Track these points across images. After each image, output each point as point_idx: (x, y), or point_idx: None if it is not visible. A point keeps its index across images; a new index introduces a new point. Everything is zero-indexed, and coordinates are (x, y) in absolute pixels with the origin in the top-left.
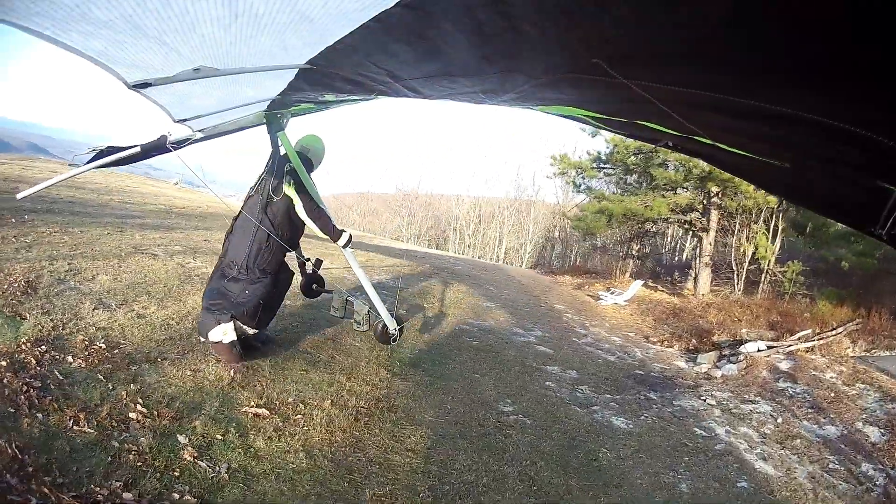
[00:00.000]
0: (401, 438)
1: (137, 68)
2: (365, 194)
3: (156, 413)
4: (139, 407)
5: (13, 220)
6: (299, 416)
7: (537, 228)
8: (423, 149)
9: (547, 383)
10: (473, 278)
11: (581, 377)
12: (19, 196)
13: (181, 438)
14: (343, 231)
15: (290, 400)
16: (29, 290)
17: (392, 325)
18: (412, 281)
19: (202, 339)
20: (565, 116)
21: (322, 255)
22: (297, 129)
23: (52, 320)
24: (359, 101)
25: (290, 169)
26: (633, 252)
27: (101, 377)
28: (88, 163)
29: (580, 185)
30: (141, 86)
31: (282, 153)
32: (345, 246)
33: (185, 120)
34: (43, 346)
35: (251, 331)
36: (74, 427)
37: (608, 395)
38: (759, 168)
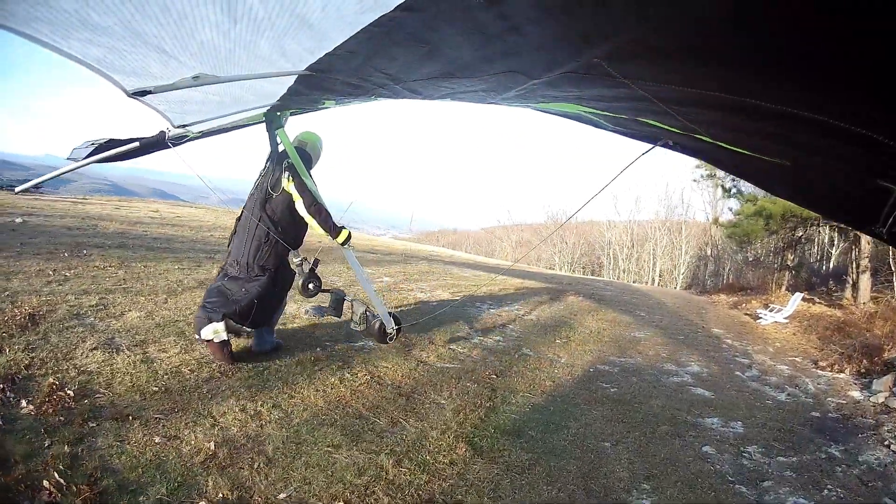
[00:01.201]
0: None
1: (136, 76)
2: (517, 225)
3: (73, 488)
4: (57, 476)
5: (65, 254)
6: None
7: (689, 247)
8: (573, 176)
9: (704, 449)
10: (623, 304)
11: (748, 431)
12: (17, 189)
13: None
14: (342, 228)
15: (281, 498)
16: (28, 325)
17: (389, 325)
18: (547, 311)
19: (197, 337)
20: (566, 115)
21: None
22: (295, 125)
23: (31, 357)
24: (358, 102)
25: (289, 165)
26: (788, 262)
27: (43, 430)
28: (88, 156)
29: (730, 190)
30: (140, 93)
31: (280, 150)
32: (343, 244)
33: (184, 125)
34: (1, 385)
35: (247, 329)
36: None
37: (782, 458)
38: (760, 167)
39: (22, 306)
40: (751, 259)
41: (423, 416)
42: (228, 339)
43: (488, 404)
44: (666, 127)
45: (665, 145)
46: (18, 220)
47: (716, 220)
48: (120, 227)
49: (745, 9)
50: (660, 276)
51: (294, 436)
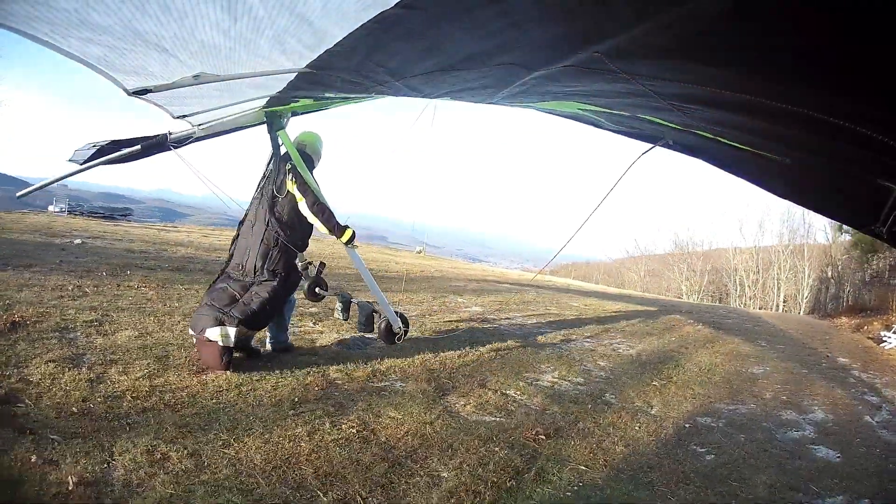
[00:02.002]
0: None
1: (137, 75)
2: (643, 256)
3: None
4: None
5: (103, 273)
6: None
7: (812, 270)
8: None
9: None
10: (743, 333)
11: None
12: (19, 195)
13: None
14: (346, 227)
15: None
16: (7, 331)
17: (396, 323)
18: (654, 344)
19: (190, 333)
20: (567, 115)
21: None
22: (294, 126)
23: None
24: (359, 99)
25: (292, 167)
26: None
27: None
28: (89, 160)
29: None
30: (140, 92)
31: (282, 152)
32: (348, 243)
33: (184, 116)
34: None
35: (252, 334)
36: None
37: None
38: (760, 163)
39: (13, 314)
40: (869, 278)
41: (399, 495)
42: (232, 348)
43: (510, 483)
44: (666, 123)
45: (666, 145)
46: (77, 241)
47: (840, 227)
48: (190, 252)
49: (746, 7)
50: (784, 301)
51: (175, 498)
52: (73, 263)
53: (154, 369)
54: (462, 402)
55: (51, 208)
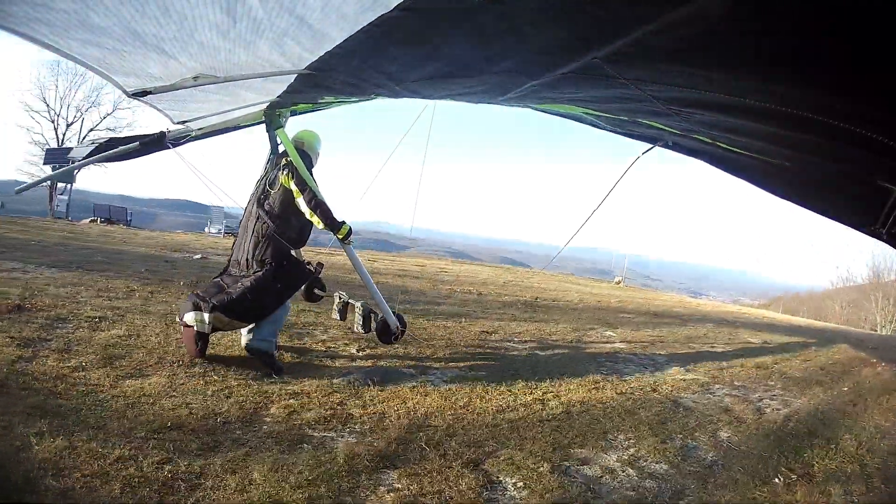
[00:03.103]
0: None
1: (137, 77)
2: (843, 286)
3: None
4: None
5: (181, 283)
6: None
7: None
8: None
9: None
10: None
11: None
12: (17, 190)
13: None
14: (343, 223)
15: None
16: (9, 313)
17: (393, 322)
18: (820, 398)
19: (177, 320)
20: (565, 115)
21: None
22: (293, 125)
23: None
24: (357, 101)
25: (289, 162)
26: None
27: None
28: (88, 156)
29: None
30: (140, 94)
31: (280, 150)
32: (344, 239)
33: (184, 122)
34: None
35: (244, 328)
36: None
37: None
38: (760, 167)
39: (25, 301)
40: None
41: None
42: (208, 335)
43: None
44: (665, 128)
45: (665, 145)
46: (197, 256)
47: None
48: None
49: (744, 10)
50: None
51: None
52: (159, 273)
53: (92, 363)
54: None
55: (206, 229)
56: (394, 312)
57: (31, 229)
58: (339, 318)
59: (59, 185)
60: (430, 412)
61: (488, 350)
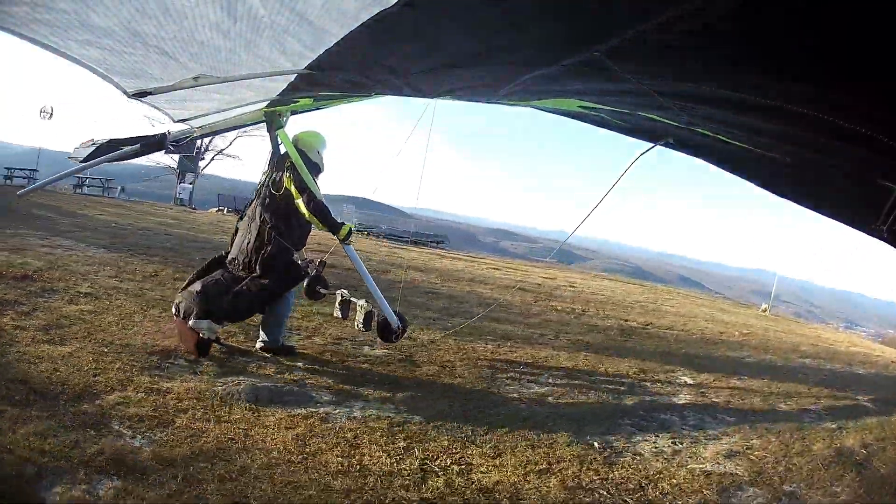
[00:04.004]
0: None
1: (137, 78)
2: None
3: None
4: None
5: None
6: None
7: None
8: None
9: None
10: None
11: None
12: (19, 193)
13: None
14: (342, 224)
15: None
16: (16, 279)
17: (394, 321)
18: None
19: (173, 312)
20: (564, 112)
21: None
22: (294, 125)
23: None
24: (359, 98)
25: (290, 165)
26: None
27: None
28: (89, 157)
29: None
30: (140, 94)
31: (282, 151)
32: (344, 240)
33: (184, 120)
34: None
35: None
36: None
37: None
38: (760, 164)
39: (37, 272)
40: None
41: None
42: (211, 340)
43: None
44: (666, 121)
45: (666, 144)
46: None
47: None
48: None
49: (749, 5)
50: None
51: None
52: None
53: (34, 326)
54: None
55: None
56: (395, 312)
57: (131, 212)
58: (340, 316)
59: (187, 174)
60: (269, 464)
61: (471, 383)
